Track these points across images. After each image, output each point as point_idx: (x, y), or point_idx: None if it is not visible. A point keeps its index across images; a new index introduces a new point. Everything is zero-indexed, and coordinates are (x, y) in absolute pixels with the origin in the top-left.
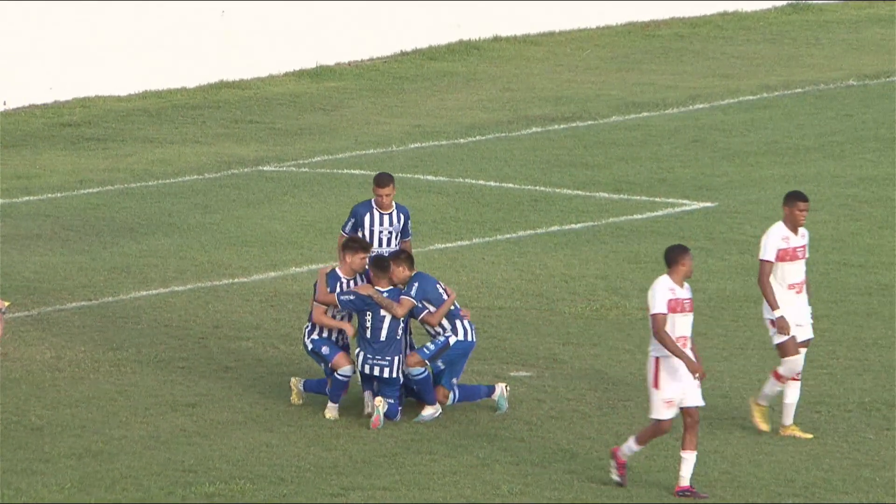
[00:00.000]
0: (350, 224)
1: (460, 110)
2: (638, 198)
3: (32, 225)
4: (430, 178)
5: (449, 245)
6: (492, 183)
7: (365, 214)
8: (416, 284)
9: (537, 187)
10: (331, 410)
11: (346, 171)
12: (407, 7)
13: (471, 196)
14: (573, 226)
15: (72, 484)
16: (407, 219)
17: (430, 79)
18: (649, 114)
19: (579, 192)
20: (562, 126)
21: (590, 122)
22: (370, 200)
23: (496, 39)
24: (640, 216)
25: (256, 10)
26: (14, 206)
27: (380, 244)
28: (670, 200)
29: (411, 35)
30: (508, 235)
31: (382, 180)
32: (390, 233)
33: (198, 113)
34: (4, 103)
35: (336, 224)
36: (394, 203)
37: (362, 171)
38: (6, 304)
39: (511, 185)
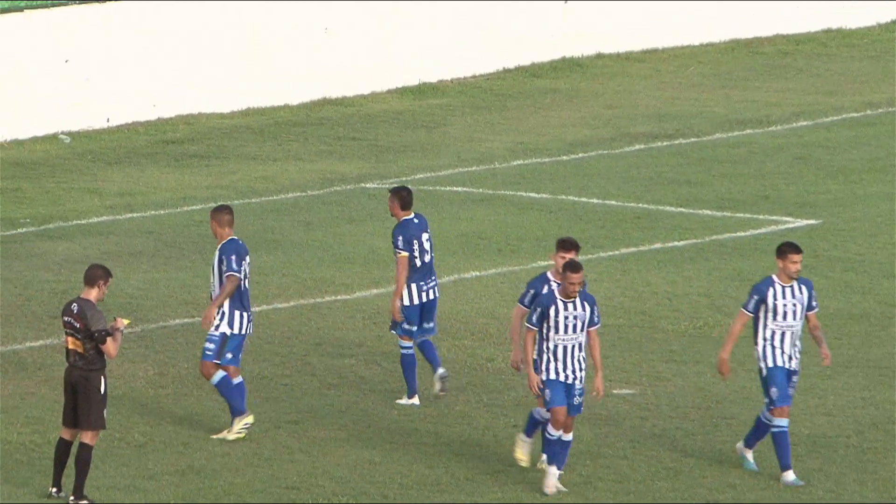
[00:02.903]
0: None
1: (563, 127)
2: (741, 215)
3: (136, 242)
4: (532, 195)
5: (552, 262)
6: (594, 200)
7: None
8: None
9: (640, 205)
10: (521, 447)
11: (448, 188)
12: (510, 24)
13: (573, 213)
14: (676, 243)
15: (175, 501)
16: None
17: (533, 96)
18: (753, 131)
19: (682, 210)
20: (665, 143)
21: (693, 140)
22: (236, 239)
23: (599, 56)
24: (743, 234)
25: (359, 28)
26: (118, 223)
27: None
28: (774, 218)
29: (514, 52)
30: (611, 253)
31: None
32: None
33: (300, 130)
34: (108, 120)
35: (440, 241)
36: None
37: (465, 189)
38: (126, 321)
39: (614, 202)
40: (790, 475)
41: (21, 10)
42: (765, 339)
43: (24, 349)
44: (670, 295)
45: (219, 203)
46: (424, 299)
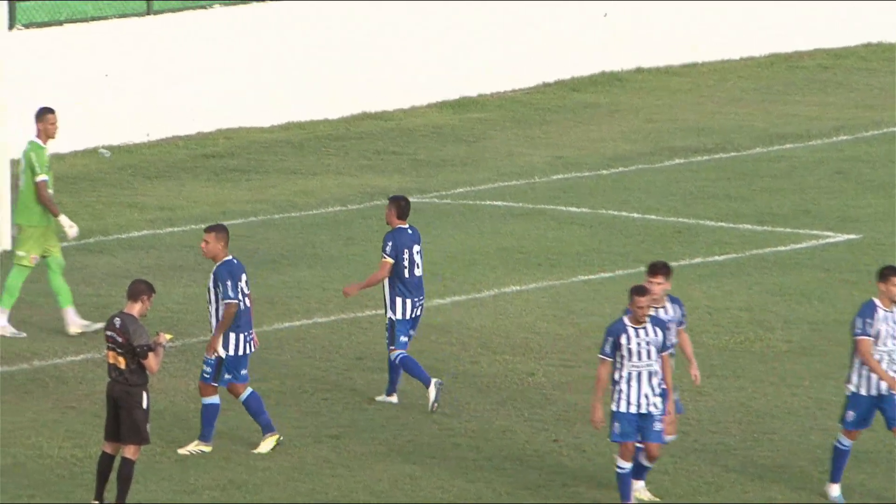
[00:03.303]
0: None
1: (603, 141)
2: (782, 230)
3: (176, 256)
4: (572, 209)
5: (592, 277)
6: (635, 214)
7: None
8: None
9: (680, 219)
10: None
11: (488, 202)
12: (550, 39)
13: (613, 227)
14: (717, 258)
15: None
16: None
17: (573, 110)
18: (793, 145)
19: (723, 224)
20: (705, 157)
21: (733, 154)
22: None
23: (639, 70)
24: (784, 248)
25: (398, 42)
26: (158, 238)
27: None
28: (814, 232)
29: (554, 66)
30: None
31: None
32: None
33: (340, 144)
34: (148, 135)
35: (480, 255)
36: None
37: (504, 203)
38: (168, 336)
39: (654, 216)
40: (836, 489)
41: (61, 23)
42: (860, 363)
43: (64, 363)
44: (711, 309)
45: (262, 218)
46: (416, 315)
